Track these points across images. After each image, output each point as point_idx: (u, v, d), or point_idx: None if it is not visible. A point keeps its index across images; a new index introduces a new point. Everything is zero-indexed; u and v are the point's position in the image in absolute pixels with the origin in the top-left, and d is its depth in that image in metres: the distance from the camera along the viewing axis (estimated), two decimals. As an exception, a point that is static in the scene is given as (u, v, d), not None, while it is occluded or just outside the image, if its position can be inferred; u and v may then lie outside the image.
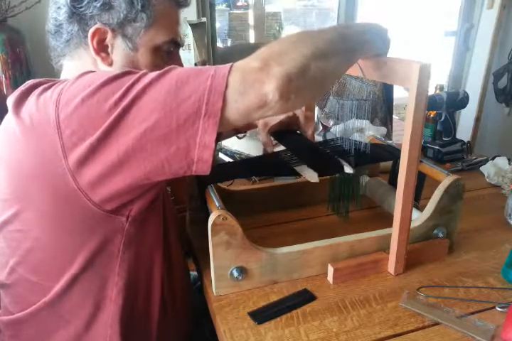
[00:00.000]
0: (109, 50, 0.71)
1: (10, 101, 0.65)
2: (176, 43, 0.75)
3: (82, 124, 0.56)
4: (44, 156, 0.59)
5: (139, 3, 0.68)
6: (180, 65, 0.77)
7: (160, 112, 0.54)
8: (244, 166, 0.98)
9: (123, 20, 0.68)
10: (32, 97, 0.62)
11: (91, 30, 0.68)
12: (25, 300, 0.71)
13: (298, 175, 0.88)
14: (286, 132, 1.00)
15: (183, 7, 0.76)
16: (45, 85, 0.63)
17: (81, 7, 0.68)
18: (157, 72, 0.57)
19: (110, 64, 0.71)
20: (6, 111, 0.71)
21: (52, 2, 0.71)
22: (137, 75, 0.57)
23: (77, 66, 0.73)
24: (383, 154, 0.99)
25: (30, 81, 0.67)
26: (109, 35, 0.69)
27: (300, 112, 0.98)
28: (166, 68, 0.58)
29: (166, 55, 0.75)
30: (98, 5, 0.67)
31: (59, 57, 0.75)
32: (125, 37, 0.70)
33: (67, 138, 0.57)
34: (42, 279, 0.69)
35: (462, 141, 1.44)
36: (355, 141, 0.93)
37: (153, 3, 0.70)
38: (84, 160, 0.57)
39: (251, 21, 4.27)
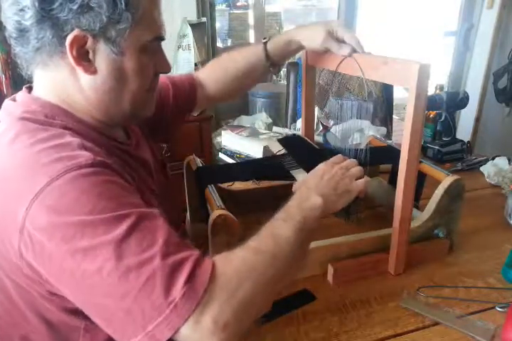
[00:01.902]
0: (91, 56, 0.61)
1: (7, 136, 0.60)
2: (161, 38, 0.68)
3: (37, 247, 0.53)
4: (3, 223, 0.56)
5: (123, 2, 0.59)
6: (165, 58, 0.71)
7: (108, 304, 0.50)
8: (245, 169, 0.98)
9: (106, 24, 0.59)
10: (20, 152, 0.57)
11: (69, 39, 0.58)
12: None
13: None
14: (296, 141, 1.00)
15: None
16: (31, 141, 0.58)
17: (52, 10, 0.57)
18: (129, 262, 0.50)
19: (94, 72, 0.62)
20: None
21: (10, 1, 0.59)
22: (106, 239, 0.51)
23: (54, 77, 0.64)
24: (383, 158, 0.99)
25: (17, 114, 0.62)
26: (90, 41, 0.59)
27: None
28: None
29: (152, 53, 0.67)
30: (74, 7, 0.56)
31: (28, 65, 0.65)
32: (108, 41, 0.60)
33: (24, 246, 0.54)
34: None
35: (462, 141, 1.44)
36: (355, 149, 0.93)
37: (138, 0, 0.61)
38: (35, 266, 0.55)
39: (251, 21, 4.27)
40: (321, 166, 0.77)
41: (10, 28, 0.61)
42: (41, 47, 0.60)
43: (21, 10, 0.58)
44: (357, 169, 0.78)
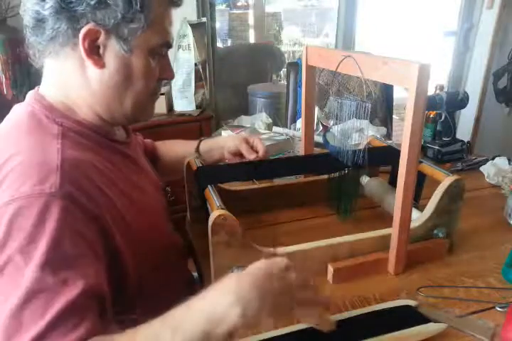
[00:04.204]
0: (101, 51, 0.65)
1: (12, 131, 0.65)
2: (169, 45, 0.72)
3: None
4: None
5: (138, 4, 0.62)
6: (169, 65, 0.74)
7: None
8: (245, 169, 0.98)
9: (120, 21, 0.62)
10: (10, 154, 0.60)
11: (83, 31, 0.62)
12: None
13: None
14: None
15: (177, 7, 0.72)
16: (20, 147, 0.61)
17: (71, 3, 0.61)
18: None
19: (102, 66, 0.65)
20: (5, 111, 0.72)
21: None
22: (15, 287, 0.52)
23: (63, 67, 0.68)
24: (382, 158, 0.99)
25: None
26: (102, 36, 0.63)
27: (242, 146, 1.00)
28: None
29: (159, 57, 0.70)
30: (92, 2, 0.60)
31: (40, 55, 0.68)
32: (120, 38, 0.64)
33: None
34: None
35: (462, 141, 1.44)
36: (354, 150, 0.93)
37: (152, 4, 0.65)
38: None
39: (251, 21, 4.28)
40: (266, 267, 0.55)
41: (28, 17, 0.65)
42: (55, 38, 0.64)
43: (42, 0, 0.62)
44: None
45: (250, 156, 0.99)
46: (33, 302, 0.51)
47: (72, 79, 0.67)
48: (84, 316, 0.53)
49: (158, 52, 0.69)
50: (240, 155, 1.01)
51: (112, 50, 0.65)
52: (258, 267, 0.55)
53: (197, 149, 1.04)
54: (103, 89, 0.67)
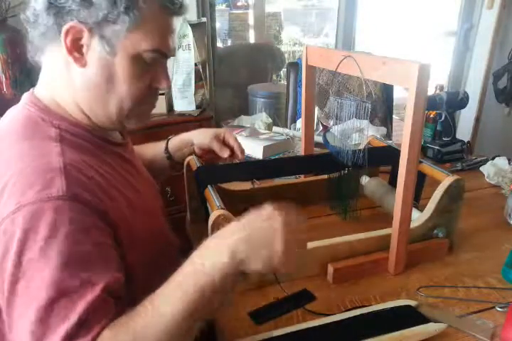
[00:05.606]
0: (84, 50, 0.64)
1: (9, 137, 0.65)
2: (163, 54, 0.69)
3: None
4: None
5: (122, 5, 0.62)
6: (164, 75, 0.72)
7: None
8: (245, 169, 0.98)
9: (101, 20, 0.62)
10: (9, 162, 0.60)
11: (65, 27, 0.62)
12: None
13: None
14: None
15: (176, 15, 0.69)
16: (21, 153, 0.62)
17: None
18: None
19: (84, 65, 0.65)
20: (5, 111, 0.72)
21: None
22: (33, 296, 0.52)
23: (51, 64, 0.69)
24: (382, 158, 0.99)
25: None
26: (86, 35, 0.63)
27: (215, 145, 0.96)
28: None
29: (148, 65, 0.68)
30: (78, 0, 0.61)
31: (35, 50, 0.69)
32: (103, 38, 0.63)
33: None
34: None
35: (462, 141, 1.44)
36: (354, 150, 0.94)
37: (140, 7, 0.63)
38: None
39: (251, 21, 4.28)
40: (266, 212, 0.62)
41: (29, 13, 0.66)
42: (45, 33, 0.65)
43: None
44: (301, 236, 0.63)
45: (224, 154, 0.95)
46: (58, 304, 0.52)
47: (59, 77, 0.68)
48: (106, 311, 0.54)
49: (146, 58, 0.67)
50: (213, 152, 0.97)
51: (95, 50, 0.64)
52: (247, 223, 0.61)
53: (166, 150, 1.00)
54: (85, 88, 0.67)
